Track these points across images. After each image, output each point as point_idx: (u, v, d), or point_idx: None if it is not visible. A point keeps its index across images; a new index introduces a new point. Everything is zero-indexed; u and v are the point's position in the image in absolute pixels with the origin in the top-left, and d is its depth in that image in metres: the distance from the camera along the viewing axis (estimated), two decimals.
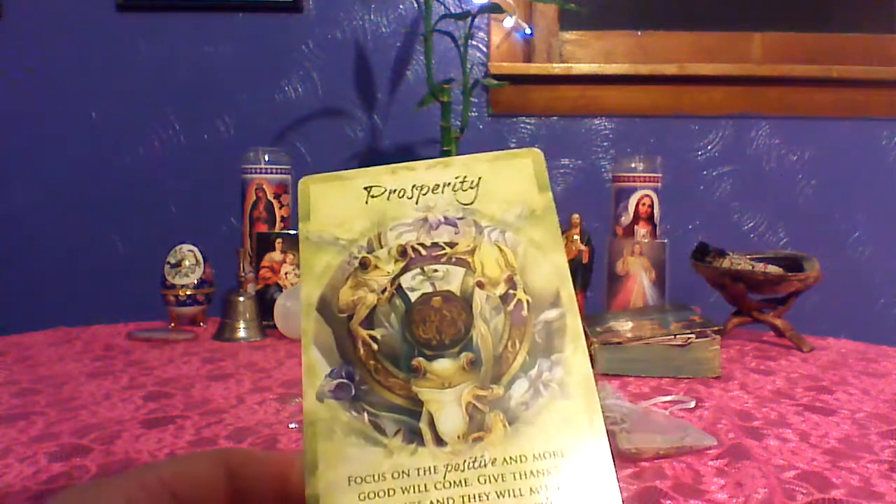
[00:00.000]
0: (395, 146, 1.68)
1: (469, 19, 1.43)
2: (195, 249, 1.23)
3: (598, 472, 0.23)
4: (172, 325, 1.21)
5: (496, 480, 0.23)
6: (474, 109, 1.66)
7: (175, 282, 1.20)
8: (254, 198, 1.31)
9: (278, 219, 1.31)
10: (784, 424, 0.70)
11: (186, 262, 1.22)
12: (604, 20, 1.72)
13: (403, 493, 0.23)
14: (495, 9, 1.42)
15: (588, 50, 1.72)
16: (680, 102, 1.65)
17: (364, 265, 0.28)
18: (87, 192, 1.70)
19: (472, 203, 0.29)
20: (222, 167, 1.62)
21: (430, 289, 0.27)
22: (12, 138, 1.69)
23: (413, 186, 0.29)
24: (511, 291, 0.27)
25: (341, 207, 0.29)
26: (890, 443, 0.65)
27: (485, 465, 0.24)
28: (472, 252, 0.28)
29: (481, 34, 1.66)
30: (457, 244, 0.28)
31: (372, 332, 0.27)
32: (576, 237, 1.17)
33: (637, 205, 1.22)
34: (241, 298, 1.14)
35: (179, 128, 1.69)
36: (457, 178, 0.29)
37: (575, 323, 0.26)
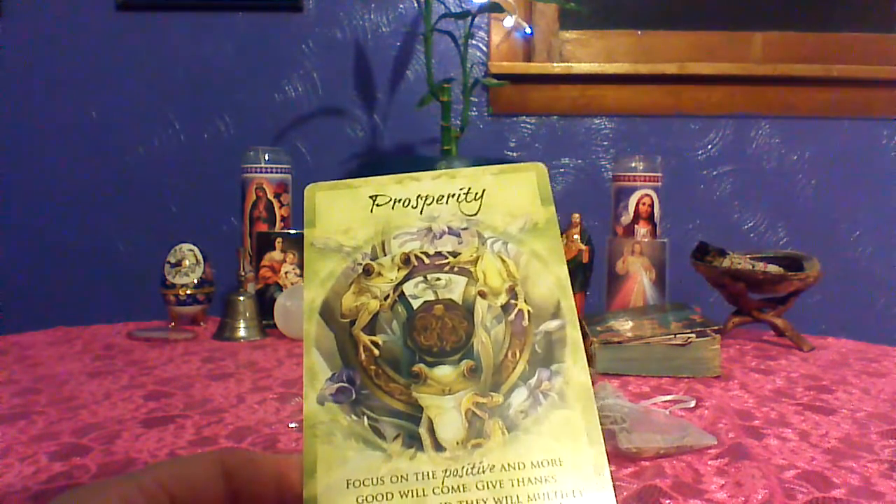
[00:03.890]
0: (395, 146, 1.68)
1: (469, 19, 1.43)
2: (195, 249, 1.24)
3: (594, 482, 0.24)
4: (172, 324, 1.22)
5: (494, 487, 0.23)
6: (474, 109, 1.66)
7: (175, 281, 1.20)
8: (254, 197, 1.31)
9: (278, 218, 1.31)
10: (784, 424, 0.71)
11: (186, 262, 1.22)
12: (604, 20, 1.72)
13: (402, 497, 0.23)
14: (495, 8, 1.42)
15: (588, 49, 1.72)
16: (680, 102, 1.65)
17: (367, 272, 0.28)
18: (87, 193, 1.70)
19: (475, 214, 0.29)
20: (222, 167, 1.62)
21: (432, 297, 0.28)
22: (12, 138, 1.69)
23: (418, 196, 0.30)
24: (512, 301, 0.27)
25: (346, 215, 0.29)
26: (890, 442, 0.65)
27: (483, 472, 0.24)
28: (474, 262, 0.28)
29: (481, 34, 1.66)
30: (460, 254, 0.28)
31: (374, 338, 0.27)
32: (576, 237, 1.17)
33: (637, 204, 1.22)
34: (241, 298, 1.14)
35: (179, 128, 1.69)
36: (461, 189, 0.30)
37: (575, 334, 0.27)
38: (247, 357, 1.00)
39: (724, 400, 0.79)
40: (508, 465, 0.24)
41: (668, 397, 0.79)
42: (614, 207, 1.25)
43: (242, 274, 1.21)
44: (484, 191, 0.30)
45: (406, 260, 0.28)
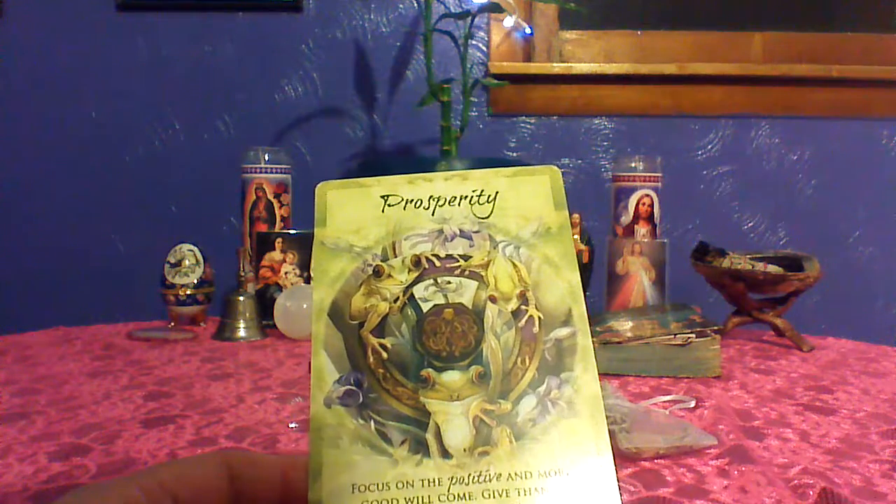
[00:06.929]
0: (395, 146, 1.68)
1: (469, 19, 1.43)
2: (195, 249, 1.23)
3: (602, 492, 0.23)
4: (172, 324, 1.21)
5: (500, 496, 0.23)
6: (474, 109, 1.66)
7: (175, 281, 1.20)
8: (254, 197, 1.31)
9: (278, 218, 1.31)
10: (784, 424, 0.71)
11: (186, 262, 1.22)
12: (604, 20, 1.72)
13: (407, 503, 0.23)
14: (495, 8, 1.42)
15: (588, 50, 1.72)
16: (680, 102, 1.65)
17: (378, 273, 0.28)
18: (87, 192, 1.70)
19: (488, 217, 0.29)
20: (222, 167, 1.62)
21: (442, 300, 0.27)
22: (12, 138, 1.69)
23: (430, 197, 0.29)
24: (523, 307, 0.27)
25: (357, 215, 0.29)
26: (890, 442, 0.65)
27: (490, 480, 0.23)
28: (486, 266, 0.28)
29: (481, 34, 1.66)
30: (471, 257, 0.28)
31: (382, 341, 0.26)
32: (576, 237, 1.17)
33: (637, 204, 1.22)
34: (241, 298, 1.14)
35: (179, 128, 1.69)
36: (474, 191, 0.29)
37: (586, 342, 0.26)
38: (246, 357, 1.00)
39: (724, 400, 0.79)
40: (515, 473, 0.24)
41: (668, 397, 0.79)
42: (614, 207, 1.25)
43: (242, 274, 1.21)
44: (497, 193, 0.29)
45: (417, 262, 0.28)
